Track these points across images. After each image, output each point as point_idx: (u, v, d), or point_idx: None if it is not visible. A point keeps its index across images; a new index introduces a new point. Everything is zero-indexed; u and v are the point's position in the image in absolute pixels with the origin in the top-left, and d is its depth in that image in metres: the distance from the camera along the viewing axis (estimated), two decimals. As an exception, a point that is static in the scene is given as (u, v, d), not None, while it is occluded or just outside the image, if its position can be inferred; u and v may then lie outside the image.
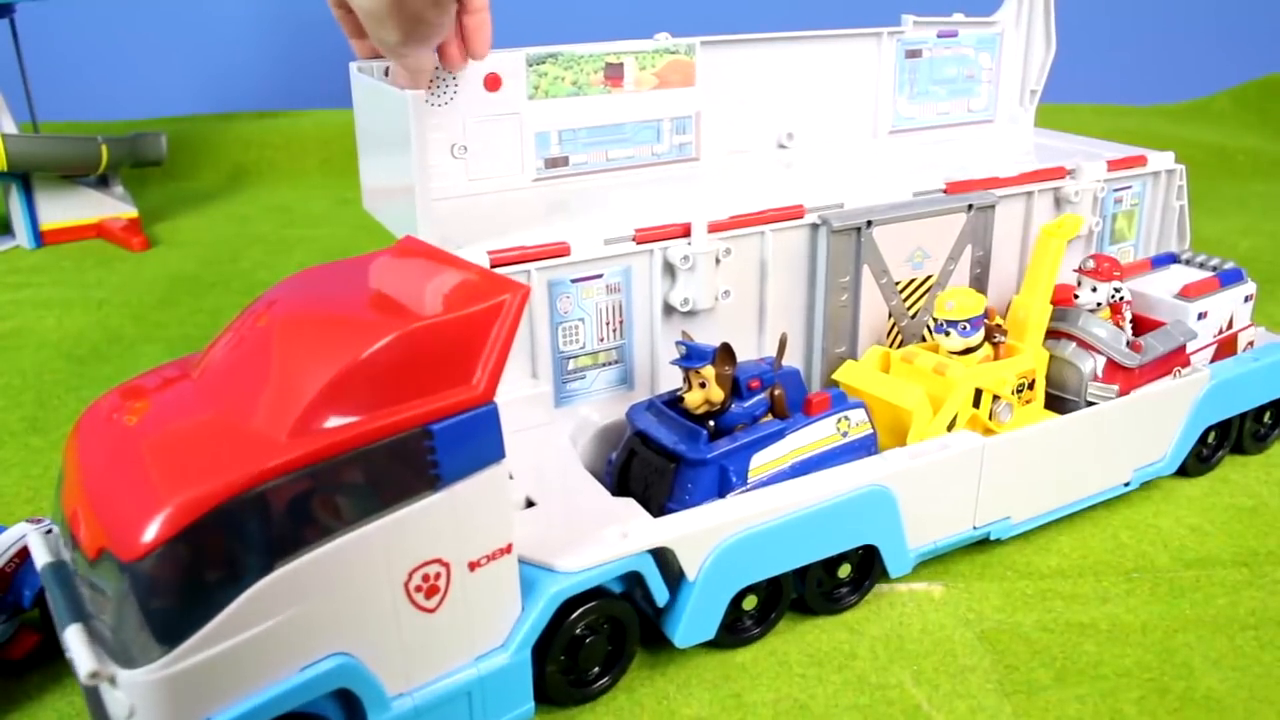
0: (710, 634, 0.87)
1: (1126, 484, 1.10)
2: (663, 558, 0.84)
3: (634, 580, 0.84)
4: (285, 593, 0.63)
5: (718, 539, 0.85)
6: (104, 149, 2.11)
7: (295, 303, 0.74)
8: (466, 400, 0.68)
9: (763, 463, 0.92)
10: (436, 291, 0.73)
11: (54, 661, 0.87)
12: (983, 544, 1.04)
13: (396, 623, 0.69)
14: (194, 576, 0.61)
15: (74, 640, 0.63)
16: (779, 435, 0.93)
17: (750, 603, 0.90)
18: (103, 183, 2.19)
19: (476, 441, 0.69)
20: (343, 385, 0.65)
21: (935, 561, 1.01)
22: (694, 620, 0.86)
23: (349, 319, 0.70)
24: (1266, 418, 1.23)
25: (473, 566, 0.72)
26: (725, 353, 0.91)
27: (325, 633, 0.66)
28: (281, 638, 0.64)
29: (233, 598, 0.61)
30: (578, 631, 0.81)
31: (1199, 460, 1.17)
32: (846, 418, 0.97)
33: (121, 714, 0.61)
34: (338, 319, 0.71)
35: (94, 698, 0.64)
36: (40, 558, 0.72)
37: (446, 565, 0.70)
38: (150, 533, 0.59)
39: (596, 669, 0.84)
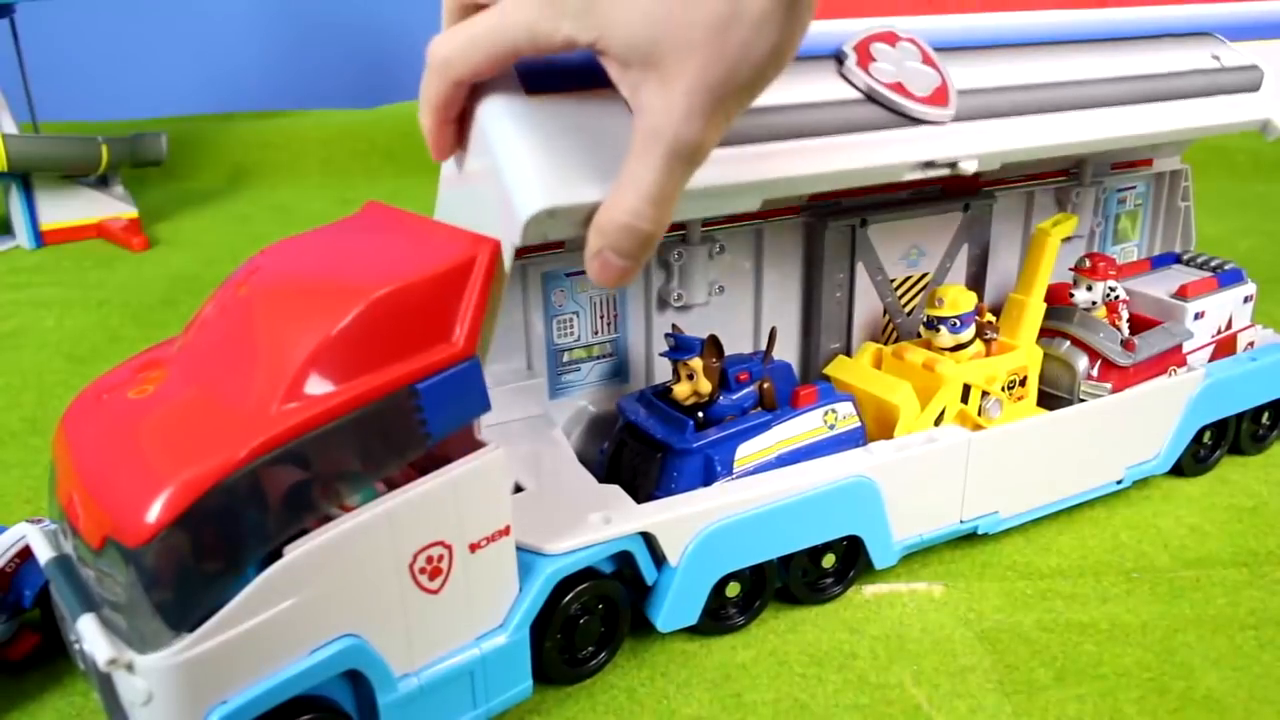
0: (693, 619, 0.88)
1: (1119, 482, 1.10)
2: (651, 545, 0.85)
3: (624, 563, 0.86)
4: (296, 575, 0.64)
5: (700, 525, 0.86)
6: (104, 149, 2.11)
7: (269, 276, 0.73)
8: (448, 356, 0.69)
9: (748, 453, 0.92)
10: (408, 253, 0.73)
11: (54, 661, 0.87)
12: (983, 544, 1.04)
13: (402, 604, 0.70)
14: (200, 557, 0.61)
15: (89, 628, 0.63)
16: (765, 426, 0.93)
17: (734, 590, 0.90)
18: (103, 183, 2.19)
19: (461, 396, 0.70)
20: (326, 353, 0.65)
21: (935, 561, 1.01)
22: (676, 605, 0.86)
23: (325, 288, 0.70)
24: (1265, 418, 1.22)
25: (473, 548, 0.73)
26: (713, 345, 0.91)
27: (335, 614, 0.67)
28: (292, 620, 0.65)
29: (243, 579, 0.62)
30: (572, 612, 0.83)
31: (1195, 460, 1.17)
32: (834, 410, 0.97)
33: (138, 700, 0.62)
34: (313, 289, 0.71)
35: (107, 685, 0.64)
36: (43, 554, 0.72)
37: (449, 547, 0.72)
38: (153, 515, 0.60)
39: (591, 648, 0.86)
